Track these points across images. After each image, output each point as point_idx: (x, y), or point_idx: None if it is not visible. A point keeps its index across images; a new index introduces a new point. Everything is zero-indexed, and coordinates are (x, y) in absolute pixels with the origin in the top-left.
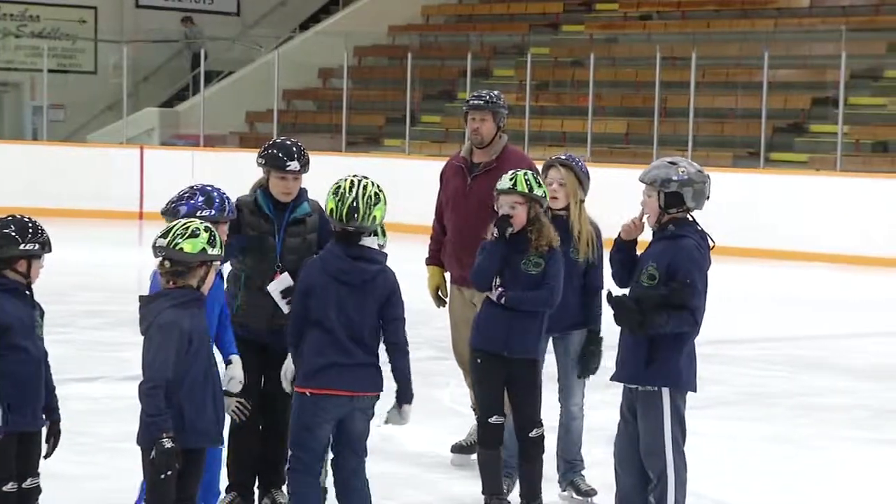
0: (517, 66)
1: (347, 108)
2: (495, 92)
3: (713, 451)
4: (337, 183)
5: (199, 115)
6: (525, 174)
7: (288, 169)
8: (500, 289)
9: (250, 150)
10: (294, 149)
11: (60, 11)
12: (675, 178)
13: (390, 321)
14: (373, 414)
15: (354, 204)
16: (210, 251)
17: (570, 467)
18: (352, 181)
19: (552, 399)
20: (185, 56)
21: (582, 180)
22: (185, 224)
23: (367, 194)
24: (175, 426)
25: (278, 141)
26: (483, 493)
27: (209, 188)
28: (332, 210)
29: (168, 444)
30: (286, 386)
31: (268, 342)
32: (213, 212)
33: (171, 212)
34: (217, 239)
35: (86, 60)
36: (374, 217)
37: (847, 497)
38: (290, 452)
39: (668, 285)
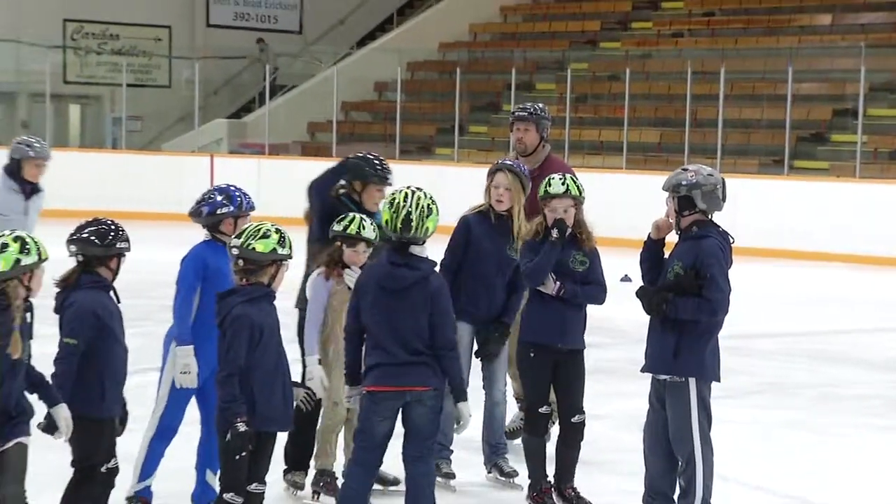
0: (558, 80)
1: (401, 120)
2: (539, 104)
3: (738, 437)
4: (392, 195)
5: (265, 125)
6: (573, 179)
7: (388, 182)
8: (557, 283)
9: (311, 159)
10: (387, 165)
11: (138, 30)
12: (684, 182)
13: (434, 327)
14: (439, 408)
15: (408, 216)
16: (280, 251)
17: (494, 450)
18: (406, 194)
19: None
20: (254, 71)
21: (525, 185)
22: (257, 226)
23: (419, 206)
24: (248, 411)
25: (377, 157)
26: (529, 477)
27: (228, 186)
28: (387, 221)
29: (242, 427)
30: (320, 392)
31: None
32: (233, 207)
33: (195, 213)
34: (287, 239)
35: (160, 75)
36: (427, 228)
37: (864, 480)
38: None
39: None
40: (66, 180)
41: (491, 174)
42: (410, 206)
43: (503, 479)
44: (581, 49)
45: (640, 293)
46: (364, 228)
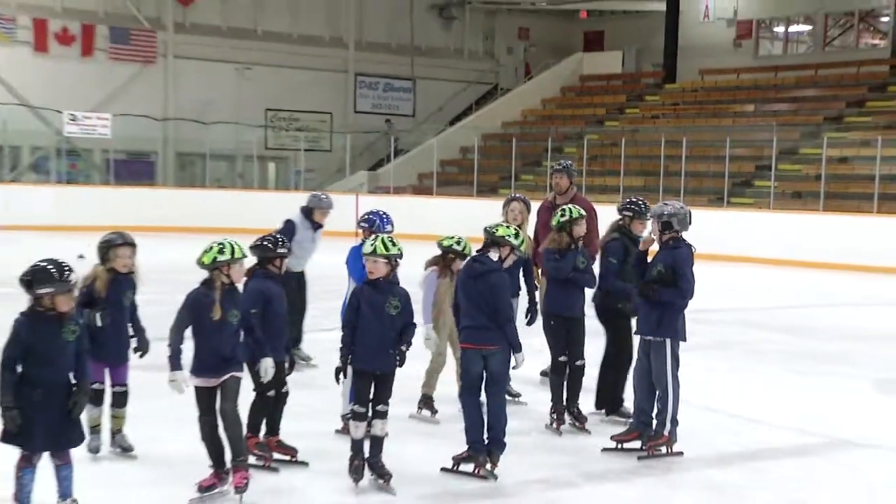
0: (578, 146)
1: (477, 171)
2: (570, 161)
3: (695, 376)
4: (498, 226)
5: (391, 175)
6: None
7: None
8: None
9: (420, 196)
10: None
11: (310, 115)
12: (665, 212)
13: (494, 306)
14: (507, 360)
15: (495, 232)
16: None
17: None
18: (491, 226)
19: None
20: (384, 140)
21: (529, 210)
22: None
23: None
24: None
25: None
26: (552, 401)
27: (379, 212)
28: (502, 237)
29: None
30: (432, 347)
31: None
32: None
33: (363, 222)
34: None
35: (325, 143)
36: (524, 241)
37: (775, 400)
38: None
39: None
40: (269, 210)
41: (508, 202)
42: (499, 229)
43: (510, 398)
44: (593, 126)
45: (640, 288)
46: (465, 247)
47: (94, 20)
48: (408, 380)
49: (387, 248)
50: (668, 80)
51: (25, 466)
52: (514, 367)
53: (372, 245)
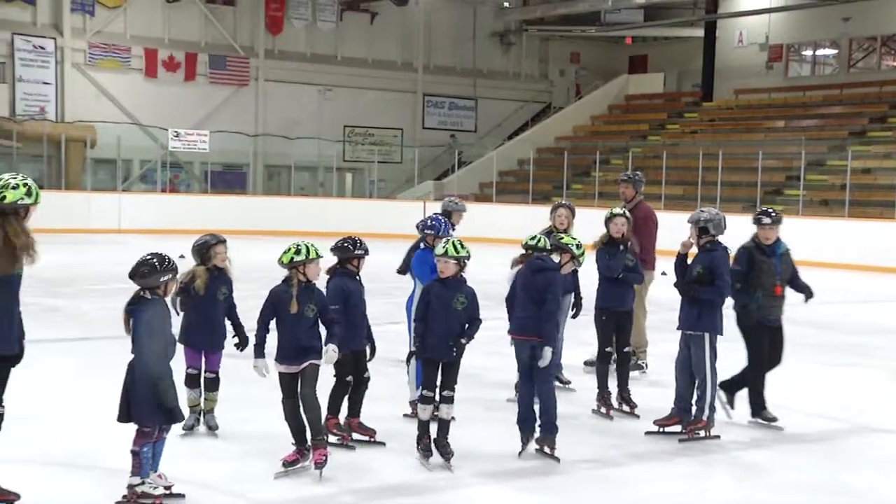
0: (623, 158)
1: (532, 181)
2: (637, 172)
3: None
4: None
5: (455, 184)
6: (625, 211)
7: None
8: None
9: (482, 203)
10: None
11: (383, 131)
12: (703, 218)
13: (544, 300)
14: (550, 350)
15: (561, 239)
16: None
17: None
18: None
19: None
20: (449, 153)
21: (574, 215)
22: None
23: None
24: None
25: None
26: (598, 387)
27: (438, 217)
28: (565, 243)
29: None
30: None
31: None
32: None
33: (427, 228)
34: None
35: (396, 156)
36: (581, 248)
37: (810, 390)
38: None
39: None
40: (346, 215)
41: (555, 209)
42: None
43: (560, 385)
44: (637, 140)
45: (678, 285)
46: (545, 245)
47: (196, 49)
48: (471, 367)
49: (457, 251)
50: (705, 99)
51: (148, 442)
52: (539, 362)
53: (444, 248)
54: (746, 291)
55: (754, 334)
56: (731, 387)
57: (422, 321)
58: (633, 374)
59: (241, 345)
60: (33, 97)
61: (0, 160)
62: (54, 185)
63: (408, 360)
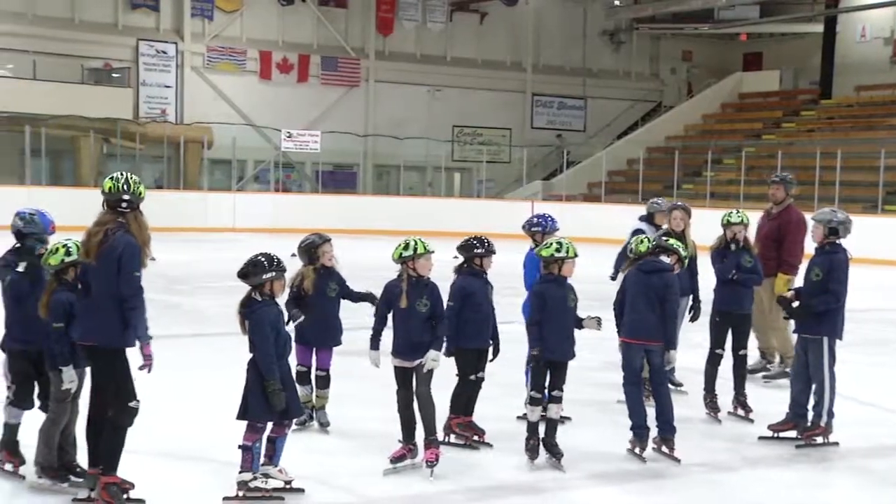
0: (736, 157)
1: (642, 180)
2: (788, 174)
3: (850, 372)
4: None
5: (563, 184)
6: (741, 212)
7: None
8: (735, 273)
9: (589, 203)
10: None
11: (492, 131)
12: (834, 220)
13: (662, 302)
14: (663, 356)
15: (667, 241)
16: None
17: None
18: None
19: None
20: (557, 153)
21: (690, 216)
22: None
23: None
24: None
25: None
26: (704, 389)
27: (544, 214)
28: (671, 245)
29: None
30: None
31: None
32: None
33: (533, 226)
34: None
35: (504, 156)
36: (689, 253)
37: None
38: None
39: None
40: (454, 215)
41: (670, 210)
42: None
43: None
44: (750, 139)
45: (794, 314)
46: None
47: (309, 51)
48: (580, 370)
49: (573, 249)
50: (824, 97)
51: (258, 437)
52: (666, 365)
53: (565, 247)
54: None
55: None
56: None
57: (537, 323)
58: (781, 380)
59: (371, 300)
60: (155, 100)
61: (124, 161)
62: (173, 186)
63: (528, 362)
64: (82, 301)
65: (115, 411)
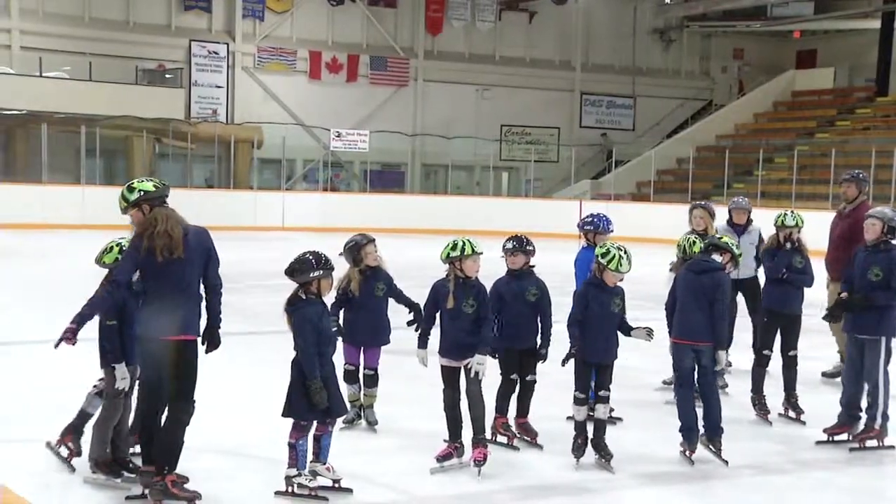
0: (788, 156)
1: (691, 180)
2: (861, 172)
3: None
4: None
5: (611, 183)
6: (796, 214)
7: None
8: (785, 272)
9: (639, 202)
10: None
11: (540, 130)
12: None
13: (712, 301)
14: (713, 357)
15: (720, 239)
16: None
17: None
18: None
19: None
20: (603, 152)
21: (713, 216)
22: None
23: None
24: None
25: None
26: (752, 390)
27: (599, 214)
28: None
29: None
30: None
31: None
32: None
33: (587, 224)
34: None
35: (552, 155)
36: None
37: None
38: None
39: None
40: (502, 214)
41: (692, 210)
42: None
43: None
44: (803, 138)
45: (849, 304)
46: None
47: (358, 51)
48: (625, 370)
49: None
50: (880, 94)
51: (304, 435)
52: (716, 366)
53: (618, 258)
54: None
55: None
56: None
57: (579, 324)
58: (837, 379)
59: (417, 321)
60: (206, 100)
61: (175, 161)
62: (223, 185)
63: (564, 361)
64: (161, 298)
65: (182, 405)
